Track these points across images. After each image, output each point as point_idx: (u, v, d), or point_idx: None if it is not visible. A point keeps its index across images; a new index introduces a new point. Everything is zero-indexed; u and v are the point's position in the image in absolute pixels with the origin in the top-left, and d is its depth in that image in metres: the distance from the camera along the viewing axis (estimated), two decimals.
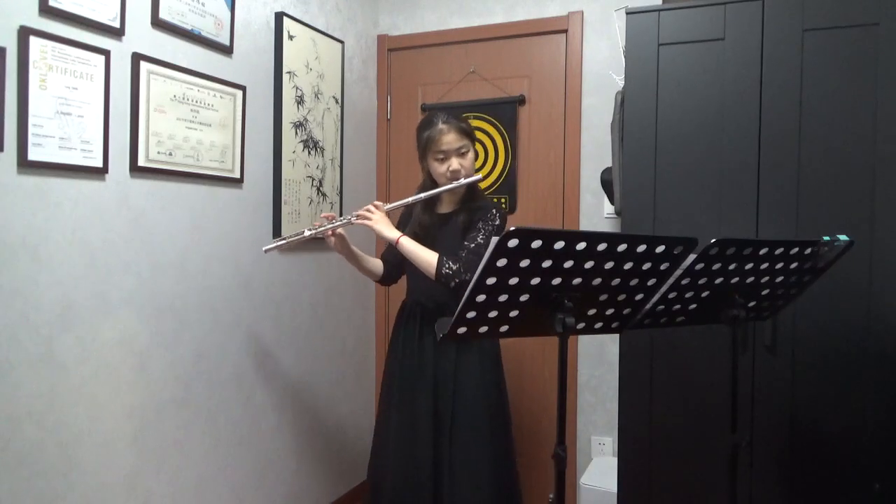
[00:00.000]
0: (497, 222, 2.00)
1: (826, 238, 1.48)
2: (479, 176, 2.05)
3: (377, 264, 2.23)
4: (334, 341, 2.88)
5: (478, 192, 2.14)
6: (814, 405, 1.94)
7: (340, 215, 2.92)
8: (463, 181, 1.99)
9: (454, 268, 1.92)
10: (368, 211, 1.99)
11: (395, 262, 2.19)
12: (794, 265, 1.49)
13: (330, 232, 2.03)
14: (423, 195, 2.02)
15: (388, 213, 2.02)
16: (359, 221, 1.98)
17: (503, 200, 2.96)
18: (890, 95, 1.84)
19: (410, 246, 1.97)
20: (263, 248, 2.04)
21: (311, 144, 2.65)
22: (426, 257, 1.95)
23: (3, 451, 1.57)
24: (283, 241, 2.03)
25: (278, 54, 2.46)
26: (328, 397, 2.83)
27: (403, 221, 2.19)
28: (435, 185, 2.05)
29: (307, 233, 2.01)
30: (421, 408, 2.01)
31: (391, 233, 1.97)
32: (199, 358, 2.14)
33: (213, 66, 2.17)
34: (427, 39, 3.08)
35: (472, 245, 1.95)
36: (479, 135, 2.88)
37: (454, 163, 2.00)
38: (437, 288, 1.97)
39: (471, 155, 2.04)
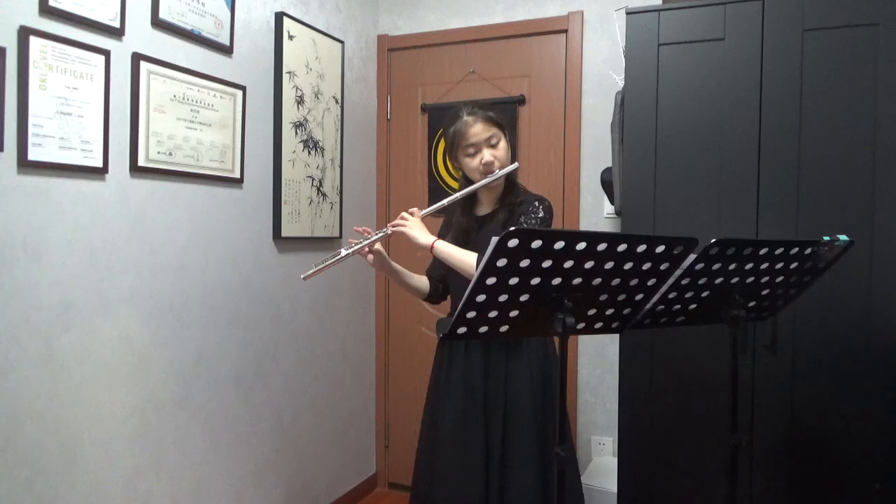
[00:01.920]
0: (541, 214, 1.86)
1: (826, 238, 1.48)
2: (515, 164, 1.89)
3: (422, 281, 2.07)
4: (334, 341, 2.88)
5: (518, 187, 1.97)
6: (814, 405, 1.94)
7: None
8: (499, 173, 1.85)
9: None
10: (402, 219, 1.87)
11: (440, 276, 2.04)
12: (794, 265, 1.49)
13: (367, 249, 1.88)
14: (457, 195, 1.87)
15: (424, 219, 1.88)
16: (394, 230, 1.86)
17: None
18: (890, 95, 1.84)
19: (447, 249, 1.83)
20: (302, 276, 1.85)
21: (311, 144, 2.65)
22: (464, 258, 1.80)
23: (3, 451, 1.57)
24: (323, 266, 1.87)
25: (278, 54, 2.46)
26: (328, 397, 2.83)
27: (444, 230, 2.05)
28: (471, 184, 1.90)
29: (344, 253, 1.85)
30: (471, 421, 1.87)
31: (425, 238, 1.84)
32: (199, 358, 2.14)
33: (213, 66, 2.17)
34: (427, 39, 3.08)
35: None
36: None
37: (486, 154, 1.85)
38: None
39: (503, 144, 1.88)
